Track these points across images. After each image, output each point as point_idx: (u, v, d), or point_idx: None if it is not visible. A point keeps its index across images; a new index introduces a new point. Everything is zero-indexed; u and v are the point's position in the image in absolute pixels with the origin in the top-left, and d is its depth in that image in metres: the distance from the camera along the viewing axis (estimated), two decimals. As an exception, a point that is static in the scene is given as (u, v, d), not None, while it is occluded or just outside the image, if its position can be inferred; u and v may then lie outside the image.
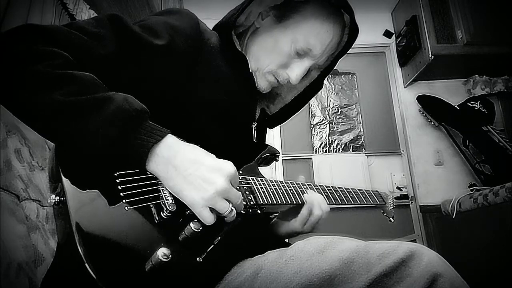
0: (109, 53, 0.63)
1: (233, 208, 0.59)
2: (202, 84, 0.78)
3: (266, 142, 0.99)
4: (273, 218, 0.95)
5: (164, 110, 0.70)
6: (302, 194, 0.87)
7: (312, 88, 0.97)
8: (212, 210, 0.58)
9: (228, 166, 0.60)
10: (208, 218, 0.57)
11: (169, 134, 0.59)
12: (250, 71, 0.87)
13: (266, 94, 0.93)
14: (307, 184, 0.91)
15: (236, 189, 0.61)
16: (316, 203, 0.85)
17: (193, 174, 0.57)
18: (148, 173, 0.60)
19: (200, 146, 0.62)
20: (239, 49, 0.87)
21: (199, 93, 0.77)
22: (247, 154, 0.86)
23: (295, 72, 0.85)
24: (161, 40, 0.70)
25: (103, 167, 0.57)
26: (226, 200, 0.59)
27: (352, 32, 0.89)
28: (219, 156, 0.62)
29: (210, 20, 0.99)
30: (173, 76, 0.74)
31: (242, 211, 0.70)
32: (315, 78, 0.96)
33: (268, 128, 1.04)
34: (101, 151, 0.53)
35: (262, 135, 0.99)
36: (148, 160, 0.57)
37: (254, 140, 0.91)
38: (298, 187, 0.88)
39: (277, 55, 0.85)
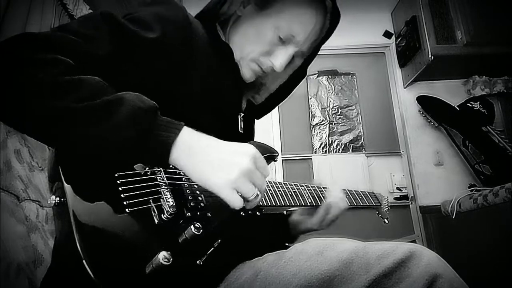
0: (106, 53, 0.63)
1: (258, 193, 0.57)
2: (193, 75, 0.77)
3: (266, 143, 0.99)
4: (289, 215, 0.96)
5: (159, 102, 0.70)
6: (302, 195, 0.87)
7: (296, 76, 0.96)
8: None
9: (250, 148, 0.59)
10: (237, 202, 0.55)
11: (184, 126, 0.58)
12: (235, 61, 0.86)
13: (251, 84, 0.92)
14: (305, 185, 0.92)
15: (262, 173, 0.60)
16: (334, 203, 0.86)
17: (216, 158, 0.56)
18: (148, 174, 0.60)
19: None
20: (224, 39, 0.86)
21: (191, 84, 0.76)
22: None
23: (279, 59, 0.84)
24: (154, 33, 0.69)
25: (119, 168, 0.57)
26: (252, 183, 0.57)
27: (334, 17, 0.88)
28: None
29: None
30: (167, 68, 0.73)
31: (257, 213, 0.69)
32: (299, 66, 0.95)
33: (256, 119, 1.03)
34: (123, 152, 0.53)
35: (250, 126, 0.98)
36: (170, 154, 0.56)
37: (240, 130, 0.90)
38: (296, 188, 0.88)
39: (260, 43, 0.84)
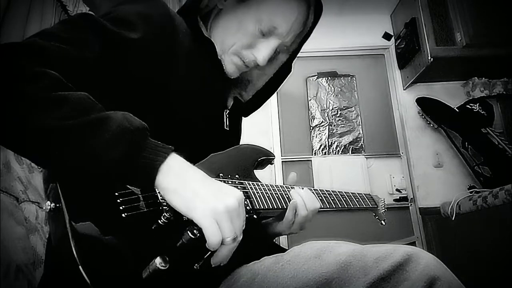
0: (89, 57, 0.62)
1: (236, 237, 0.55)
2: (177, 72, 0.75)
3: (265, 144, 0.99)
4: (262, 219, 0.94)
5: (147, 104, 0.68)
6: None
7: (281, 72, 0.95)
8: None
9: (239, 192, 0.58)
10: (216, 235, 0.52)
11: (173, 152, 0.57)
12: (218, 57, 0.85)
13: (237, 81, 0.91)
14: (301, 187, 0.91)
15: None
16: (300, 203, 0.83)
17: (203, 188, 0.55)
18: None
19: (180, 136, 0.60)
20: (206, 35, 0.84)
21: (175, 82, 0.75)
22: (220, 142, 0.83)
23: (262, 52, 0.83)
24: (137, 33, 0.68)
25: (106, 188, 0.55)
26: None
27: (317, 11, 0.87)
28: (195, 143, 0.61)
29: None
30: (151, 67, 0.71)
31: (254, 216, 0.68)
32: (284, 62, 0.94)
33: (243, 117, 1.02)
34: (107, 172, 0.51)
35: (236, 124, 0.97)
36: (156, 178, 0.54)
37: (226, 127, 0.89)
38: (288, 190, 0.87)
39: (242, 36, 0.83)
